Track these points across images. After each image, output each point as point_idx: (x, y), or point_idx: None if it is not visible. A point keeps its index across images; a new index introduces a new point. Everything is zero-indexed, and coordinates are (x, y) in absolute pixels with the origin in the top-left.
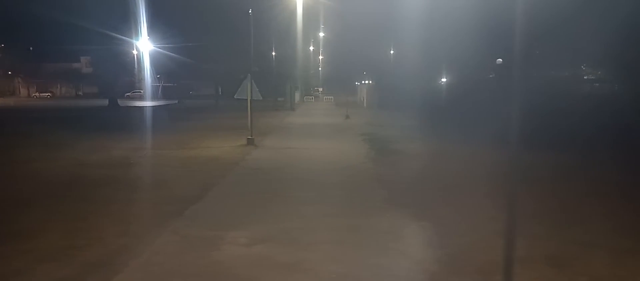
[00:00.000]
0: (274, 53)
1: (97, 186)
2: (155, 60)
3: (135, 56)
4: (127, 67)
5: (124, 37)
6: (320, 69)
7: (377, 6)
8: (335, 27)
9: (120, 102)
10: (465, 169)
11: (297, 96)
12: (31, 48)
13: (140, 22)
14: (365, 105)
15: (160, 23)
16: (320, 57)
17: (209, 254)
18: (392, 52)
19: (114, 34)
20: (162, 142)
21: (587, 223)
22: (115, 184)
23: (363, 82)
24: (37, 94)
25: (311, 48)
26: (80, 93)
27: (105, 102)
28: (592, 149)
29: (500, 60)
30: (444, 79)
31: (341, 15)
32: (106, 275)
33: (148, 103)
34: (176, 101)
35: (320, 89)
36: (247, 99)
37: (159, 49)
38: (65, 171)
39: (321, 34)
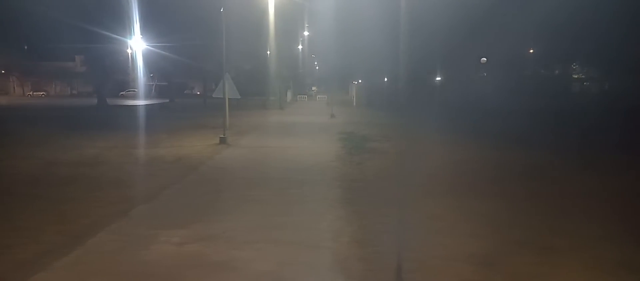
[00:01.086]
0: (268, 52)
1: (57, 185)
2: (149, 59)
3: (129, 54)
4: (119, 66)
5: (116, 36)
6: (317, 68)
7: (369, 7)
8: (329, 26)
9: (110, 101)
10: (430, 168)
11: (290, 94)
12: (26, 47)
13: (133, 21)
14: (354, 104)
15: (154, 22)
16: (313, 56)
17: (138, 253)
18: (380, 52)
19: (106, 33)
20: (138, 141)
21: (530, 221)
22: (76, 183)
23: (357, 81)
24: (31, 93)
25: (300, 47)
26: (75, 92)
27: (113, 100)
28: (561, 149)
29: (485, 59)
30: (438, 78)
31: (335, 15)
32: (27, 273)
33: (139, 102)
34: (167, 100)
35: (314, 88)
36: (233, 98)
37: (153, 48)
38: (31, 169)
39: (306, 33)
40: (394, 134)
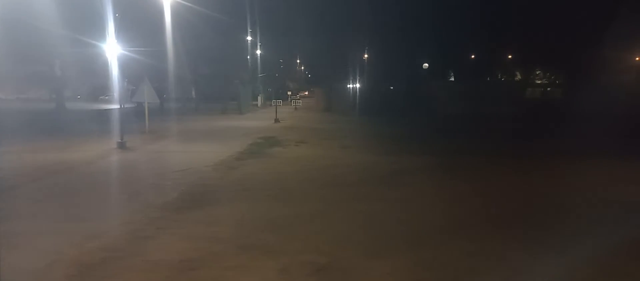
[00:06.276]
0: (249, 57)
1: None
2: (124, 64)
3: (105, 59)
4: (94, 71)
5: (90, 41)
6: (308, 74)
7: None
8: (301, 33)
9: (85, 105)
10: (294, 173)
11: (260, 99)
12: (6, 51)
13: (107, 25)
14: (314, 109)
15: (129, 26)
16: (281, 60)
17: None
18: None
19: (79, 37)
20: (47, 145)
21: (297, 225)
22: None
23: (321, 86)
24: (9, 96)
25: (259, 52)
26: (54, 96)
27: (75, 104)
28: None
29: (427, 65)
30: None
31: (304, 23)
32: None
33: (111, 106)
34: (135, 104)
35: (289, 93)
36: (152, 102)
37: (127, 53)
38: None
39: (248, 38)
40: (318, 138)
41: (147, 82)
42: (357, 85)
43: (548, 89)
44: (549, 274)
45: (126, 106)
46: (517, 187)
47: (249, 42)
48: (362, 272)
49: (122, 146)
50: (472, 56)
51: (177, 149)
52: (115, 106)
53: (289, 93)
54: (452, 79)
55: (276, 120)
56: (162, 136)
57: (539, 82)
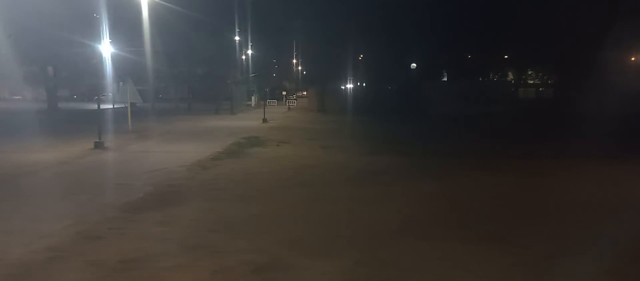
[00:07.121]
0: (243, 57)
1: None
2: (118, 64)
3: (100, 59)
4: (89, 71)
5: (84, 41)
6: (304, 72)
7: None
8: (306, 33)
9: (62, 105)
10: (261, 174)
11: (254, 99)
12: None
13: (102, 26)
14: (308, 109)
15: (127, 28)
16: (274, 61)
17: None
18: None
19: (74, 38)
20: (27, 145)
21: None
22: None
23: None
24: (5, 96)
25: (250, 52)
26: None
27: (69, 104)
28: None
29: (415, 65)
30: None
31: (298, 25)
32: None
33: (105, 106)
34: (126, 105)
35: (284, 93)
36: (135, 103)
37: (123, 54)
38: None
39: (237, 38)
40: (299, 138)
41: (130, 82)
42: (350, 85)
43: (540, 89)
44: (492, 275)
45: (117, 106)
46: (489, 188)
47: (243, 42)
48: (299, 272)
49: (99, 146)
50: (469, 56)
51: (156, 149)
52: (108, 106)
53: (284, 93)
54: (445, 79)
55: (264, 120)
56: (145, 136)
57: (531, 82)
